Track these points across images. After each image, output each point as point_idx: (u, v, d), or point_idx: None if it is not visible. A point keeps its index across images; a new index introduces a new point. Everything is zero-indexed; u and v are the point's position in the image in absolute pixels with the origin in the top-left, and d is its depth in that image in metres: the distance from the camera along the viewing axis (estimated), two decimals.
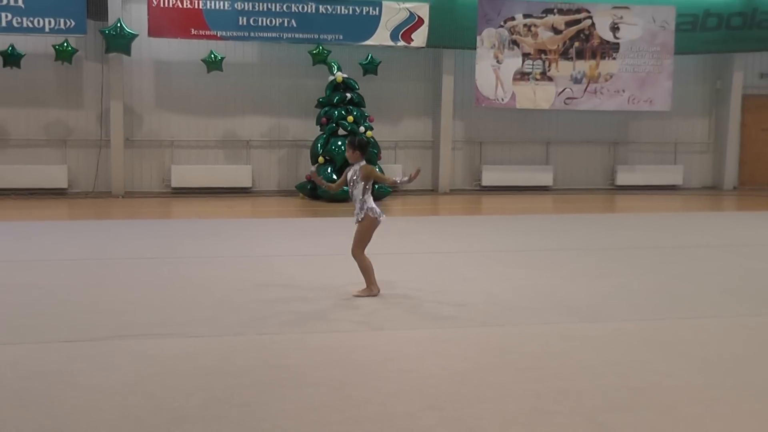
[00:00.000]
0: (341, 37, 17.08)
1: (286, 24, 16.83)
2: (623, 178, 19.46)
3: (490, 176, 18.76)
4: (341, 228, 11.33)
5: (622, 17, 18.32)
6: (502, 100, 18.01)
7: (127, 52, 16.43)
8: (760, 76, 20.08)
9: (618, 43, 18.35)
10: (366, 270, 7.28)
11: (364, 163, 7.36)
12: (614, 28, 18.33)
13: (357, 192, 7.23)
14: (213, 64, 16.78)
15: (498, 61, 17.89)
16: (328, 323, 6.43)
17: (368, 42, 17.19)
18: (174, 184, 17.26)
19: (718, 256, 9.87)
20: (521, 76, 18.03)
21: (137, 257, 9.41)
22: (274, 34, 16.87)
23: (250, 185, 17.60)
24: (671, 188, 19.61)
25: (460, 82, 18.26)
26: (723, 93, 19.78)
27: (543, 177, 19.05)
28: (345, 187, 7.49)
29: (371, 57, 17.40)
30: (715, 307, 7.13)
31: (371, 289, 7.30)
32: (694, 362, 5.44)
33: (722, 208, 16.99)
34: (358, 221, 7.23)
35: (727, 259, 9.60)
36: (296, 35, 16.93)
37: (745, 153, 20.16)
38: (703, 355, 5.62)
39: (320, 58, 16.89)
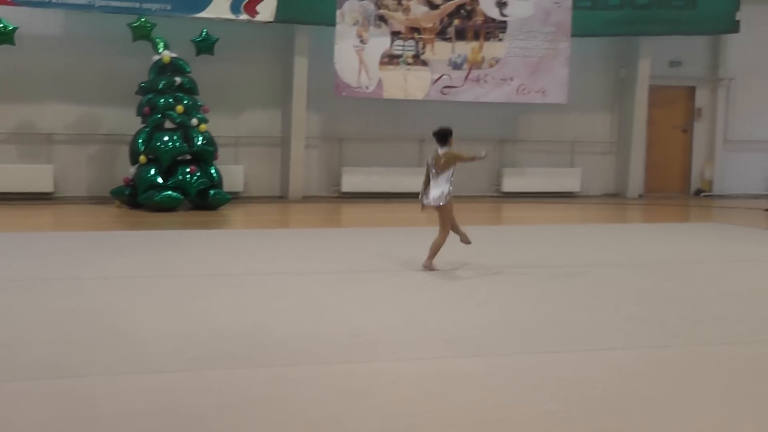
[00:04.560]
0: (169, 7, 17.43)
1: None
2: (510, 183, 20.52)
3: (351, 181, 19.46)
4: (168, 243, 12.06)
5: None
6: (367, 88, 18.77)
7: None
8: (670, 64, 21.71)
9: (505, 22, 19.40)
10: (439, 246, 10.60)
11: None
12: (501, 4, 19.34)
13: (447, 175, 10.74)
14: (2, 36, 16.64)
15: (362, 41, 18.66)
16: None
17: (203, 14, 17.56)
18: None
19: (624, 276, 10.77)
20: (390, 59, 18.85)
21: None
22: (83, 1, 16.97)
23: (51, 190, 17.73)
24: (567, 196, 20.78)
25: (316, 66, 18.75)
26: (627, 83, 21.21)
27: (416, 182, 19.67)
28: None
29: (206, 33, 17.65)
30: (611, 339, 7.60)
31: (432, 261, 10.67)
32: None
33: (626, 219, 18.46)
34: (440, 205, 10.62)
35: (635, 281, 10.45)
36: (112, 3, 17.12)
37: (652, 155, 21.78)
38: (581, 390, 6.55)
39: (142, 33, 17.04)
